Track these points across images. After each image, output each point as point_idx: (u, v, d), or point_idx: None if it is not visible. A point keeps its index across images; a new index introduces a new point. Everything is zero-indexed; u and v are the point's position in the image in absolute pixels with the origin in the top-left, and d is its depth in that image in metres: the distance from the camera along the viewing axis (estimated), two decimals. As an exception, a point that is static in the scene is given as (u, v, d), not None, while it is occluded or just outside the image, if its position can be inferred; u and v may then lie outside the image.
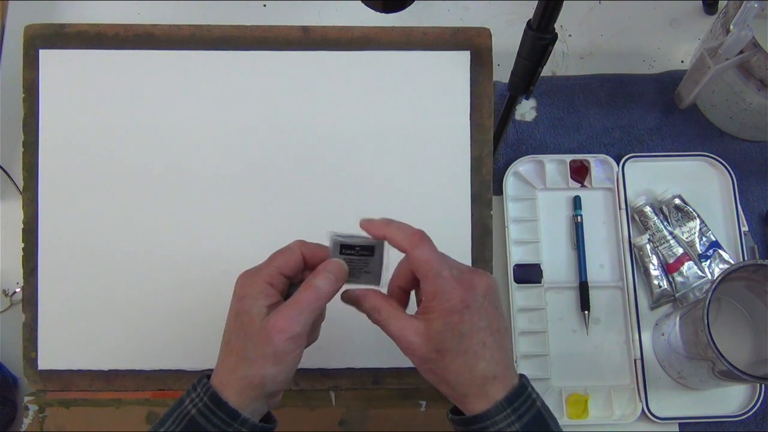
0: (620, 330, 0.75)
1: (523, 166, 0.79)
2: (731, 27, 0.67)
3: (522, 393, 0.48)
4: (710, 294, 0.61)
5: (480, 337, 0.49)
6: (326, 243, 0.51)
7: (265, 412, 0.51)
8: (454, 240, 0.70)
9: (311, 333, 0.52)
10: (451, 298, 0.48)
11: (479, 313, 0.49)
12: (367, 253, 0.51)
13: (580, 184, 0.79)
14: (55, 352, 0.69)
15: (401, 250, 0.50)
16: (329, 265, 0.50)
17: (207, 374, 0.50)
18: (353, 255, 0.51)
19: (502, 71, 0.70)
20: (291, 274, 0.50)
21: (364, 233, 0.51)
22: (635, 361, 0.73)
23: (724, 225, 0.78)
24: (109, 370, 0.69)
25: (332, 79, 0.70)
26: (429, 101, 0.70)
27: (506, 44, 0.67)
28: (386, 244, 0.51)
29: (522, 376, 0.50)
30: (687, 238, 0.76)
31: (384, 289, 0.52)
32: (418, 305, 0.52)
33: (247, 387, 0.48)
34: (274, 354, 0.47)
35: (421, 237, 0.50)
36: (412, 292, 0.54)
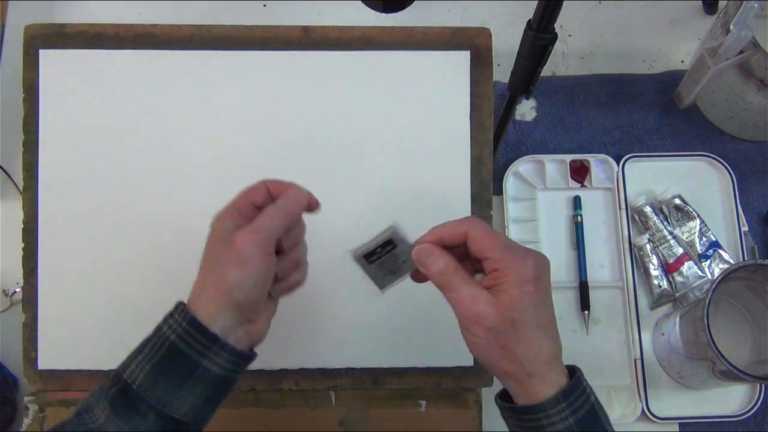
0: (620, 330, 0.75)
1: (523, 166, 0.79)
2: (731, 27, 0.67)
3: (577, 387, 0.47)
4: (710, 294, 0.61)
5: (549, 312, 0.48)
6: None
7: (245, 343, 0.50)
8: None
9: (290, 267, 0.53)
10: (525, 266, 0.47)
11: (547, 288, 0.48)
12: (390, 247, 0.51)
13: (580, 184, 0.79)
14: (55, 352, 0.69)
15: (458, 240, 0.49)
16: (290, 190, 0.52)
17: (182, 302, 0.50)
18: (381, 256, 0.51)
19: (502, 71, 0.70)
20: (258, 202, 0.51)
21: (373, 235, 0.51)
22: (635, 361, 0.73)
23: (724, 225, 0.78)
24: (109, 370, 0.68)
25: (332, 79, 0.70)
26: (429, 101, 0.70)
27: (506, 44, 0.67)
28: (396, 225, 0.50)
29: (576, 368, 0.49)
30: (687, 238, 0.76)
31: None
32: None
33: (215, 294, 0.48)
34: (237, 257, 0.47)
35: (474, 218, 0.50)
36: None
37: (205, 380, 0.47)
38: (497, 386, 0.69)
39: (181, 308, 0.49)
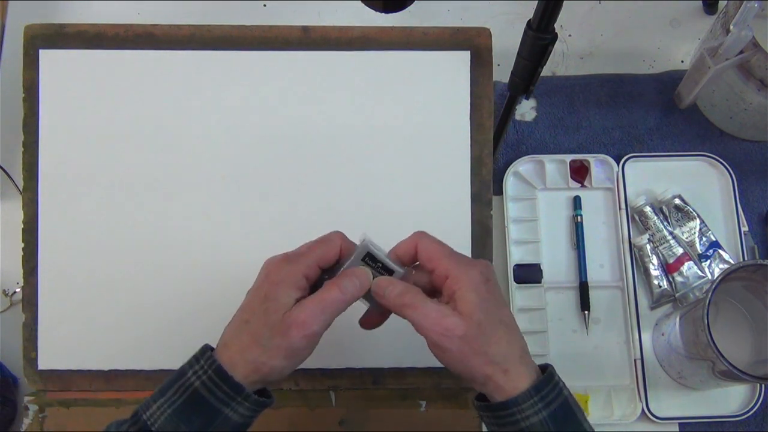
0: (620, 330, 0.75)
1: (523, 166, 0.79)
2: (731, 27, 0.67)
3: (549, 381, 0.48)
4: (710, 294, 0.61)
5: (507, 311, 0.50)
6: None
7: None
8: (454, 240, 0.69)
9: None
10: (473, 271, 0.49)
11: (498, 289, 0.51)
12: (385, 273, 0.51)
13: (580, 184, 0.79)
14: (55, 352, 0.69)
15: (411, 253, 0.52)
16: (358, 270, 0.51)
17: (209, 347, 0.50)
18: (373, 268, 0.51)
19: (502, 71, 0.70)
20: (327, 267, 0.51)
21: (388, 250, 0.52)
22: (635, 361, 0.73)
23: (724, 225, 0.78)
24: (109, 370, 0.69)
25: (332, 79, 0.70)
26: (429, 101, 0.70)
27: (506, 44, 0.67)
28: (406, 274, 0.52)
29: (548, 366, 0.50)
30: (687, 238, 0.76)
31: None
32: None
33: (253, 372, 0.48)
34: (288, 348, 0.48)
35: (422, 232, 0.52)
36: None
37: (224, 427, 0.47)
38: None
39: (208, 354, 0.49)
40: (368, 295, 0.52)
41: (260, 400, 0.49)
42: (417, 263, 0.53)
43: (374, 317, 0.54)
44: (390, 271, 0.52)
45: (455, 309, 0.48)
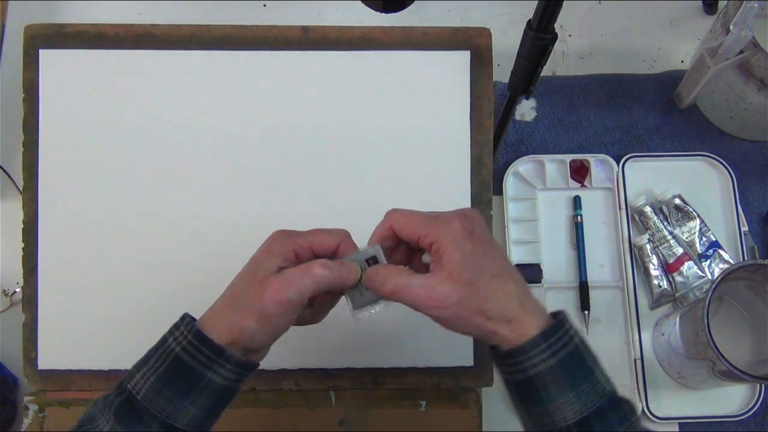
0: (620, 330, 0.75)
1: (523, 166, 0.79)
2: (731, 27, 0.67)
3: (559, 328, 0.47)
4: (710, 294, 0.61)
5: (499, 259, 0.49)
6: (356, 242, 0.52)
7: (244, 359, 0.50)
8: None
9: (314, 314, 0.52)
10: (452, 227, 0.48)
11: (485, 237, 0.49)
12: (373, 262, 0.51)
13: (580, 184, 0.79)
14: (55, 352, 0.69)
15: (390, 235, 0.50)
16: (347, 260, 0.50)
17: (188, 315, 0.50)
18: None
19: (502, 71, 0.70)
20: (320, 254, 0.50)
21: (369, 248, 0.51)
22: (635, 361, 0.73)
23: (724, 225, 0.78)
24: (109, 370, 0.69)
25: (332, 79, 0.70)
26: (429, 101, 0.70)
27: (506, 44, 0.67)
28: (379, 247, 0.51)
29: (561, 312, 0.49)
30: (687, 238, 0.76)
31: None
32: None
33: (227, 332, 0.47)
34: (260, 311, 0.47)
35: (393, 209, 0.51)
36: None
37: (209, 391, 0.47)
38: (497, 386, 0.69)
39: (187, 320, 0.48)
40: (358, 296, 0.51)
41: (243, 360, 0.48)
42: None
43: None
44: (374, 259, 0.51)
45: (443, 270, 0.47)
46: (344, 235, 0.51)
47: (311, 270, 0.48)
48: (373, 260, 0.51)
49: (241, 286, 0.49)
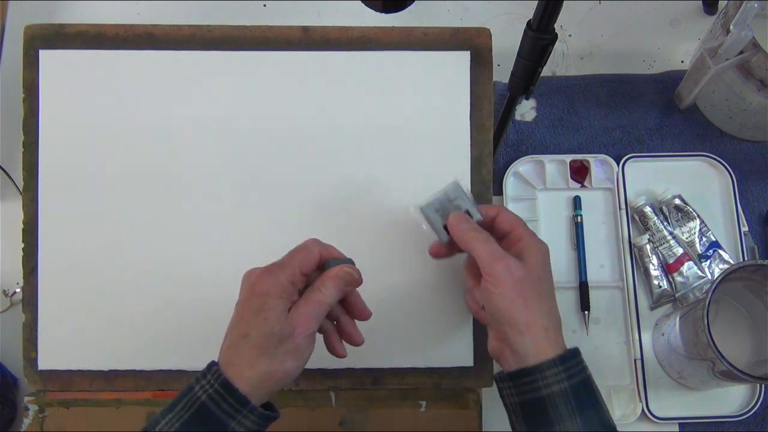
0: (620, 330, 0.75)
1: (523, 166, 0.79)
2: (731, 27, 0.67)
3: (575, 356, 0.52)
4: (710, 294, 0.61)
5: (551, 295, 0.56)
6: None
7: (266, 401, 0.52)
8: (454, 240, 0.70)
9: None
10: (542, 244, 0.57)
11: (551, 273, 0.57)
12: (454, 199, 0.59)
13: (580, 184, 0.79)
14: (55, 352, 0.69)
15: (490, 217, 0.59)
16: (340, 271, 0.53)
17: (215, 363, 0.51)
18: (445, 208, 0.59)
19: (502, 71, 0.70)
20: (309, 272, 0.53)
21: (435, 189, 0.60)
22: (635, 361, 0.73)
23: (724, 225, 0.78)
24: (109, 370, 0.69)
25: (332, 79, 0.70)
26: (429, 101, 0.70)
27: (506, 44, 0.67)
28: (458, 181, 0.60)
29: (575, 347, 0.54)
30: (687, 238, 0.76)
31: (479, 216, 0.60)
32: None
33: (267, 381, 0.49)
34: (296, 350, 0.50)
35: (503, 206, 0.61)
36: None
37: None
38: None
39: (214, 369, 0.50)
40: (438, 227, 0.59)
41: (266, 413, 0.50)
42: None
43: (441, 249, 0.61)
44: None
45: (520, 259, 0.55)
46: (316, 243, 0.54)
47: (317, 299, 0.52)
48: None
49: (262, 336, 0.50)
